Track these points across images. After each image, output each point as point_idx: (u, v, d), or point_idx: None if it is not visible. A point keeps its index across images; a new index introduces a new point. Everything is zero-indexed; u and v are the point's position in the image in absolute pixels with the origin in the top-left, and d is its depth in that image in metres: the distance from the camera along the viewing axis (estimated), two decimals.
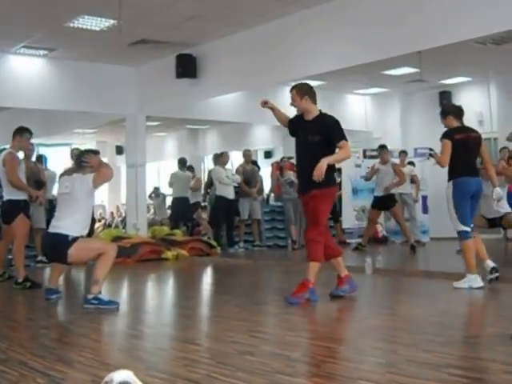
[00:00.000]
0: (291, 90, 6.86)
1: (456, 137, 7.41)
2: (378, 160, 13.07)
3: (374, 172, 12.61)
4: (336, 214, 14.30)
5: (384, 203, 12.39)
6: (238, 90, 13.69)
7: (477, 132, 7.66)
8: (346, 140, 6.65)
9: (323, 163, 6.38)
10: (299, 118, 6.92)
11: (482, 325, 5.33)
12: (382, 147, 13.03)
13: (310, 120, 6.80)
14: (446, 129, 7.64)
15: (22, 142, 8.72)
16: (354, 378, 3.76)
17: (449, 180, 7.47)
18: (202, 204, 16.40)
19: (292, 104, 6.87)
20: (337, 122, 6.75)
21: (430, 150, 8.12)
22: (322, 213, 6.72)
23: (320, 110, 6.86)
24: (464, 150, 7.37)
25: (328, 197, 6.79)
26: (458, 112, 7.70)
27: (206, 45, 12.46)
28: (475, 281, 7.32)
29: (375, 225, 13.43)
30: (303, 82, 7.12)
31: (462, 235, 7.36)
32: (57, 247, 6.73)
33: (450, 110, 7.85)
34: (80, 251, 6.71)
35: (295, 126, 6.94)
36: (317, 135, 6.66)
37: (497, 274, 7.55)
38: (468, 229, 7.34)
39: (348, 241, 14.42)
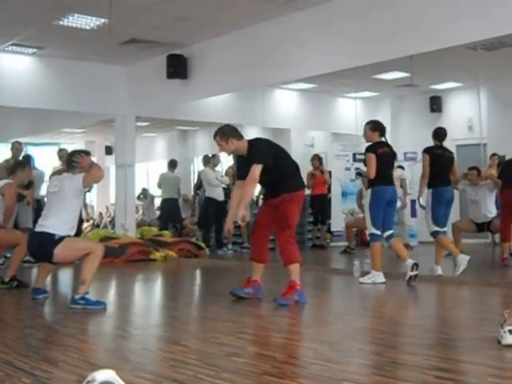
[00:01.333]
0: (214, 137, 7.00)
1: (379, 151, 8.44)
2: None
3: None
4: (324, 217, 14.42)
5: None
6: (229, 91, 13.70)
7: (392, 148, 8.84)
8: (259, 162, 6.72)
9: (240, 211, 6.66)
10: (239, 158, 7.19)
11: (467, 328, 5.37)
12: None
13: (246, 156, 6.90)
14: (379, 140, 8.69)
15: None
16: (339, 380, 3.78)
17: (368, 188, 8.59)
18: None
19: (221, 150, 7.07)
20: (260, 144, 7.02)
21: (357, 169, 9.90)
22: (292, 216, 6.86)
23: (247, 141, 7.00)
24: (384, 163, 8.39)
25: (296, 201, 6.92)
26: (384, 130, 8.78)
27: (197, 45, 12.44)
28: (378, 277, 8.34)
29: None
30: (222, 125, 7.17)
31: (372, 237, 8.44)
32: (43, 246, 6.72)
33: (379, 126, 8.76)
34: (66, 251, 6.70)
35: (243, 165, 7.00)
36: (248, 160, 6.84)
37: (416, 272, 8.24)
38: (378, 232, 8.43)
39: (334, 244, 14.64)
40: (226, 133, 6.94)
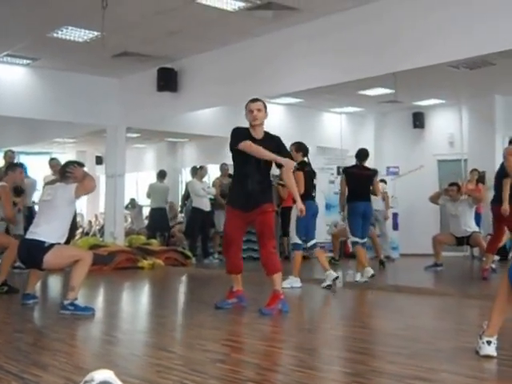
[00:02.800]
0: (256, 101, 7.01)
1: (306, 169, 9.14)
2: None
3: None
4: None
5: None
6: (218, 104, 13.71)
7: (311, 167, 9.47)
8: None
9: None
10: (249, 135, 6.81)
11: (446, 338, 5.38)
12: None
13: (260, 139, 6.79)
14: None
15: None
16: None
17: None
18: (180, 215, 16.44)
19: (254, 117, 6.85)
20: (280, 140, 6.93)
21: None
22: (274, 227, 6.98)
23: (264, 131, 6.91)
24: (309, 179, 9.19)
25: (274, 211, 7.03)
26: (307, 150, 9.44)
27: (187, 59, 12.48)
28: (296, 282, 9.06)
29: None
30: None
31: (294, 246, 9.31)
32: (32, 253, 6.70)
33: (302, 147, 9.33)
34: (56, 258, 6.68)
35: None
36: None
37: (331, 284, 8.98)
38: (357, 239, 9.61)
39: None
40: (266, 106, 6.98)
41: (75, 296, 6.60)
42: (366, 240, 10.15)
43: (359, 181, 9.82)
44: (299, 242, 9.17)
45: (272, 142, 6.79)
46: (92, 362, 4.64)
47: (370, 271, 9.49)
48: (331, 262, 12.53)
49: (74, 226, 11.05)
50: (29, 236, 6.82)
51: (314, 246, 9.37)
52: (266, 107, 6.90)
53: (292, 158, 7.02)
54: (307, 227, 9.16)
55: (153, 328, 6.34)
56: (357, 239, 9.69)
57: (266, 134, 6.87)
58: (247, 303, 6.98)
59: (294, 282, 9.08)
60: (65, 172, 6.92)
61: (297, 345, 5.23)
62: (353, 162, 10.25)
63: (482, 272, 9.87)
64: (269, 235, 6.79)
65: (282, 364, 4.46)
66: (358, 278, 9.63)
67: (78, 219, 22.43)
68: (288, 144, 7.63)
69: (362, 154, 10.06)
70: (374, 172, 10.25)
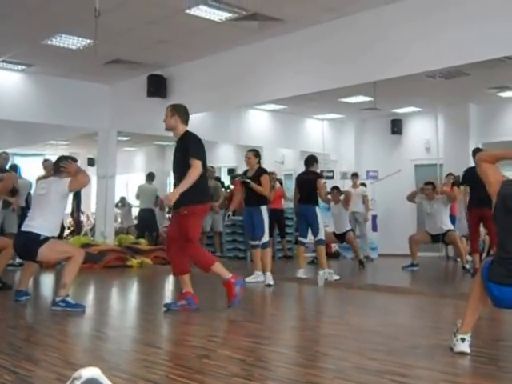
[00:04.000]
0: (167, 108, 6.86)
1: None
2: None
3: (349, 197, 12.91)
4: (282, 230, 14.31)
5: None
6: (205, 110, 13.68)
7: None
8: (199, 159, 6.49)
9: (175, 193, 6.37)
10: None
11: (422, 336, 5.38)
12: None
13: (178, 143, 6.80)
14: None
15: None
16: (304, 382, 3.77)
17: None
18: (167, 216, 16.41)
19: (164, 120, 6.82)
20: (196, 140, 6.66)
21: None
22: (193, 229, 6.58)
23: (186, 130, 6.79)
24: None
25: (196, 214, 6.58)
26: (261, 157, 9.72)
27: (176, 67, 12.47)
28: (261, 277, 9.29)
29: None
30: (181, 104, 7.07)
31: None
32: (28, 245, 6.68)
33: (259, 154, 9.58)
34: (50, 251, 6.68)
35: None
36: (179, 153, 6.68)
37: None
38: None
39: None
40: (178, 109, 6.85)
41: (66, 293, 6.57)
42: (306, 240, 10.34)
43: (303, 186, 10.05)
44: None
45: (184, 142, 6.70)
46: (82, 357, 4.61)
47: (301, 272, 9.93)
48: (313, 261, 12.56)
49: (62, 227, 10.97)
50: (24, 229, 6.79)
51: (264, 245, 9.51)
52: (172, 110, 6.83)
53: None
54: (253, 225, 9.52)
55: (141, 324, 6.30)
56: (302, 239, 10.11)
57: (184, 135, 6.77)
58: (199, 306, 6.69)
59: (259, 277, 9.40)
60: (59, 167, 6.89)
61: (281, 341, 5.21)
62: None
63: (475, 271, 9.90)
64: (185, 238, 6.54)
65: (266, 360, 4.44)
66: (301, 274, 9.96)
67: (69, 219, 22.37)
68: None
69: (309, 161, 10.21)
70: (317, 176, 10.22)
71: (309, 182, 9.97)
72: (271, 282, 9.14)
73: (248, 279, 9.06)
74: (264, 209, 9.39)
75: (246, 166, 9.59)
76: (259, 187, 9.23)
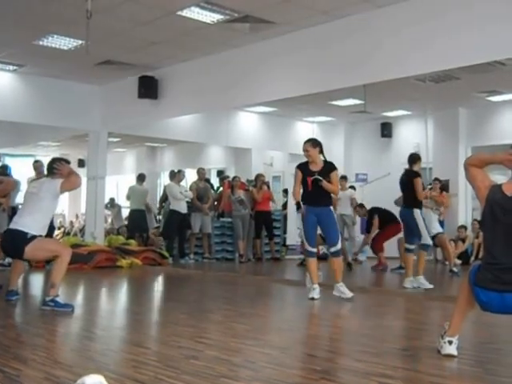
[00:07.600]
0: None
1: None
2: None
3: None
4: (270, 232, 14.34)
5: None
6: (195, 112, 13.73)
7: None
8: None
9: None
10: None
11: (410, 338, 5.39)
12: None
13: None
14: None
15: None
16: (290, 383, 3.77)
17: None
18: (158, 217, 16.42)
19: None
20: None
21: None
22: None
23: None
24: None
25: None
26: None
27: (167, 68, 12.46)
28: (316, 291, 7.83)
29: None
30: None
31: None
32: (15, 242, 6.68)
33: (317, 142, 8.77)
34: (36, 250, 6.69)
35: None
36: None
37: None
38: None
39: (290, 257, 14.74)
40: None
41: (56, 293, 6.57)
42: None
43: (402, 187, 9.73)
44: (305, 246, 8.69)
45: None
46: (71, 357, 4.60)
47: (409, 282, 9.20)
48: (302, 263, 12.56)
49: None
50: (12, 226, 6.80)
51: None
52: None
53: None
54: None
55: (130, 325, 6.29)
56: (408, 246, 9.48)
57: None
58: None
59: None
60: (52, 168, 6.90)
61: (268, 343, 5.21)
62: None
63: None
64: None
65: (254, 361, 4.44)
66: None
67: (60, 219, 22.32)
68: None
69: (413, 157, 9.93)
70: (415, 175, 9.56)
71: (406, 183, 9.49)
72: (349, 295, 7.78)
73: (314, 295, 7.83)
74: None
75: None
76: (331, 186, 7.92)
